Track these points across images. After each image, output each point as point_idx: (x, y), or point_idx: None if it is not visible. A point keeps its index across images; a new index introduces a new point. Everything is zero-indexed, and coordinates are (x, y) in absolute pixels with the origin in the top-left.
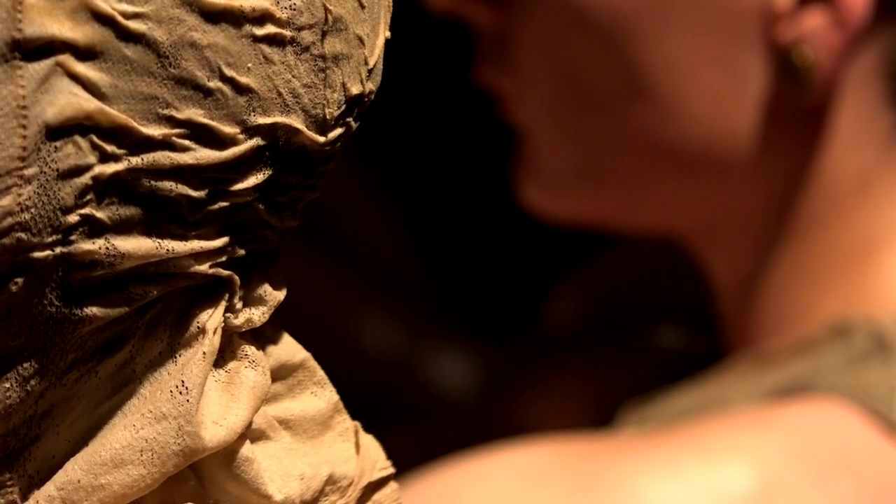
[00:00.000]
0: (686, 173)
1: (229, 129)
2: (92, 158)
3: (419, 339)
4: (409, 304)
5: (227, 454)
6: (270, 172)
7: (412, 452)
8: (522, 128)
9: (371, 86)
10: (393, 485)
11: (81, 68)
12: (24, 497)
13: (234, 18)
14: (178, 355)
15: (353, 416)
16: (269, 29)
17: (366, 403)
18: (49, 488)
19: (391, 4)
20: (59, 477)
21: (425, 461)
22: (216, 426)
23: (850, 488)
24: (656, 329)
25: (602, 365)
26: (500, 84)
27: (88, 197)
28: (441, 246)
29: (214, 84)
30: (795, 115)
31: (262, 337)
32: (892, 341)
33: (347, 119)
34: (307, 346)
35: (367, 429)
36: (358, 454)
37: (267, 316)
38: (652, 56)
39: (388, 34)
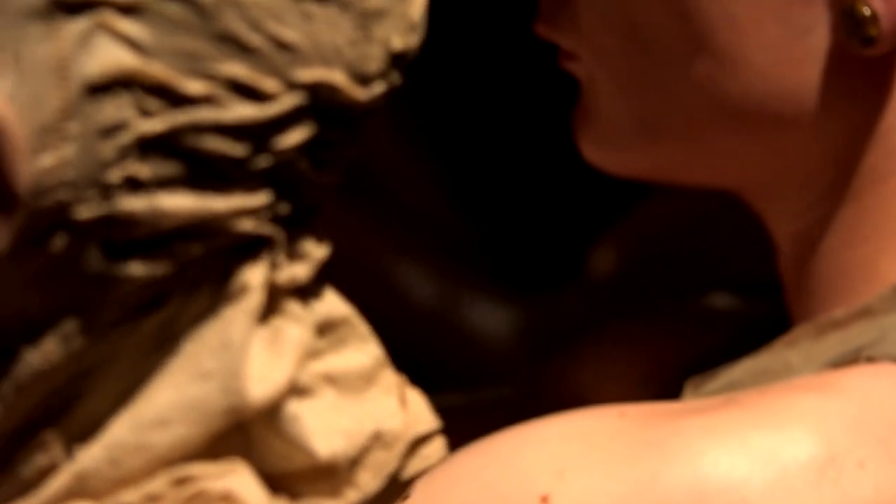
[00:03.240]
0: (746, 128)
1: (272, 86)
2: (134, 115)
3: (461, 291)
4: (451, 254)
5: (272, 411)
6: (313, 129)
7: (462, 414)
8: (583, 80)
9: (413, 41)
10: (439, 440)
11: (123, 25)
12: (68, 456)
13: None
14: (221, 312)
15: (398, 371)
16: None
17: (409, 356)
18: (94, 448)
19: None
20: (104, 436)
21: (477, 425)
22: (261, 383)
23: None
24: (708, 289)
25: (658, 328)
26: (562, 36)
27: (130, 154)
28: (481, 195)
29: (257, 40)
30: (858, 70)
31: (306, 293)
32: None
33: (390, 75)
34: (349, 300)
35: (413, 383)
36: (403, 409)
37: (310, 272)
38: (714, 9)
39: None
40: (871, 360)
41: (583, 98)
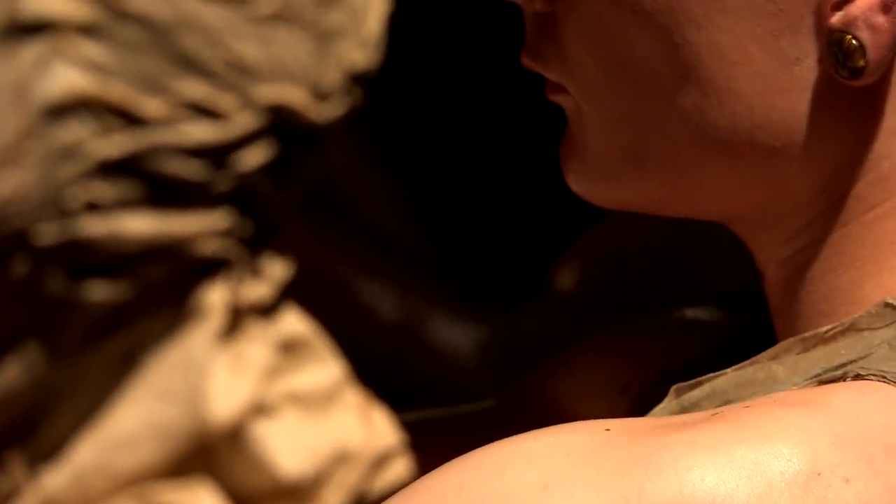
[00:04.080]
0: (734, 158)
1: (231, 105)
2: (93, 138)
3: (425, 308)
4: (415, 271)
5: (236, 431)
6: (273, 148)
7: (441, 429)
8: (570, 112)
9: (373, 58)
10: (405, 457)
11: (81, 47)
12: (32, 479)
13: None
14: (183, 333)
15: (363, 388)
16: (270, 5)
17: (374, 373)
18: (58, 470)
19: None
20: (69, 458)
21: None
22: (224, 403)
23: None
24: (679, 302)
25: (638, 338)
26: (548, 69)
27: (90, 178)
28: (445, 213)
29: (215, 60)
30: (845, 100)
31: (268, 311)
32: None
33: (350, 93)
34: (313, 318)
35: (378, 400)
36: (367, 427)
37: (273, 291)
38: (702, 40)
39: (389, 6)
40: (857, 376)
41: (569, 130)
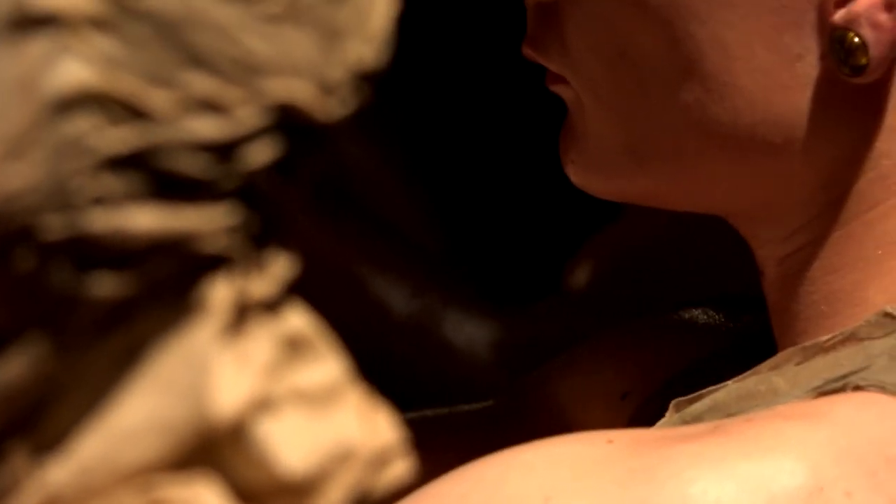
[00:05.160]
0: (735, 154)
1: (240, 103)
2: (100, 132)
3: (438, 305)
4: (428, 268)
5: (238, 426)
6: (281, 143)
7: (443, 428)
8: (570, 103)
9: (381, 54)
10: (406, 457)
11: (89, 40)
12: (35, 471)
13: None
14: (188, 327)
15: (369, 386)
16: (276, 3)
17: (384, 370)
18: (62, 462)
19: None
20: (73, 451)
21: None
22: (227, 398)
23: None
24: (689, 303)
25: (641, 341)
26: (549, 60)
27: (97, 173)
28: (458, 209)
29: (225, 57)
30: (847, 97)
31: (273, 307)
32: None
33: (358, 90)
34: (324, 314)
35: (387, 397)
36: (370, 424)
37: (278, 287)
38: (705, 35)
39: (397, 4)
40: (858, 388)
41: (570, 121)
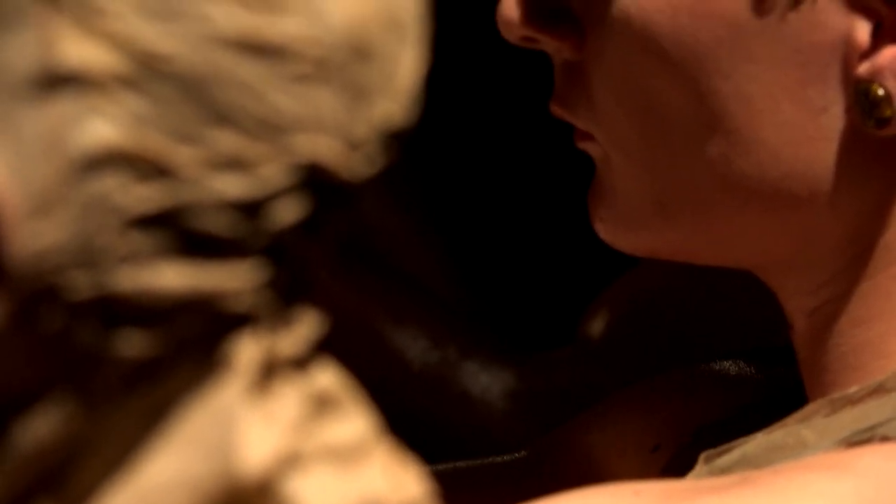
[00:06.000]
0: (761, 208)
1: (266, 161)
2: (127, 191)
3: (456, 355)
4: (446, 319)
5: (266, 483)
6: (308, 202)
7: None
8: (598, 159)
9: (408, 113)
10: None
11: (115, 99)
12: None
13: (269, 53)
14: (215, 384)
15: (393, 439)
16: (304, 63)
17: (405, 422)
18: None
19: (426, 27)
20: None
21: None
22: (255, 455)
23: None
24: (711, 353)
25: (670, 393)
26: (576, 117)
27: (124, 231)
28: (475, 260)
29: (250, 113)
30: (873, 150)
31: (300, 363)
32: None
33: (386, 149)
34: (344, 366)
35: (409, 449)
36: (398, 479)
37: (305, 343)
38: (729, 89)
39: (426, 59)
40: (885, 439)
41: (598, 177)
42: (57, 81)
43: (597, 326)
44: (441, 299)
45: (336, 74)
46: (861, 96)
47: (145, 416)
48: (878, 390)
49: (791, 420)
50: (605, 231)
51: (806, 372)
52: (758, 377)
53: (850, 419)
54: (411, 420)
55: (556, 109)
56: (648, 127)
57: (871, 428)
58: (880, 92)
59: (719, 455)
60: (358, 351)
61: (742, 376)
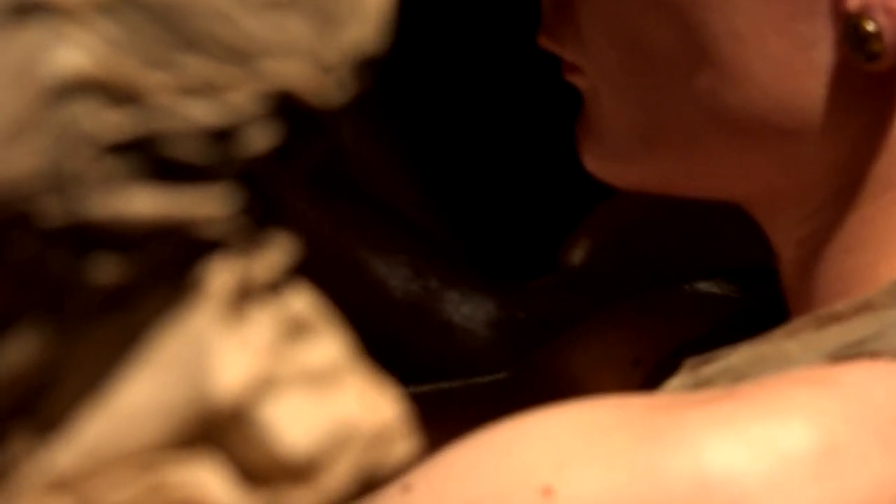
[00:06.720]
0: (749, 140)
1: (238, 86)
2: (98, 117)
3: (436, 283)
4: (426, 247)
5: (241, 406)
6: (280, 129)
7: (454, 401)
8: (586, 92)
9: (380, 41)
10: (413, 434)
11: (86, 26)
12: (39, 457)
13: None
14: (189, 310)
15: (371, 364)
16: None
17: (385, 348)
18: (64, 444)
19: None
20: (75, 432)
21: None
22: (229, 378)
23: None
24: (692, 276)
25: (652, 311)
26: (565, 49)
27: (95, 157)
28: (455, 188)
29: (222, 40)
30: (862, 84)
31: (274, 287)
32: None
33: (358, 75)
34: (324, 294)
35: (389, 375)
36: (374, 404)
37: (279, 267)
38: (717, 22)
39: None
40: (871, 355)
41: (586, 110)
42: (28, 9)
43: (577, 255)
44: (422, 229)
45: (306, 1)
46: (850, 31)
47: (119, 342)
48: (866, 306)
49: (777, 334)
50: (592, 163)
51: (792, 299)
52: (738, 295)
53: (837, 334)
54: (393, 349)
55: (544, 41)
56: (636, 59)
57: (859, 343)
58: (870, 27)
59: (704, 363)
60: (340, 281)
61: (722, 295)
